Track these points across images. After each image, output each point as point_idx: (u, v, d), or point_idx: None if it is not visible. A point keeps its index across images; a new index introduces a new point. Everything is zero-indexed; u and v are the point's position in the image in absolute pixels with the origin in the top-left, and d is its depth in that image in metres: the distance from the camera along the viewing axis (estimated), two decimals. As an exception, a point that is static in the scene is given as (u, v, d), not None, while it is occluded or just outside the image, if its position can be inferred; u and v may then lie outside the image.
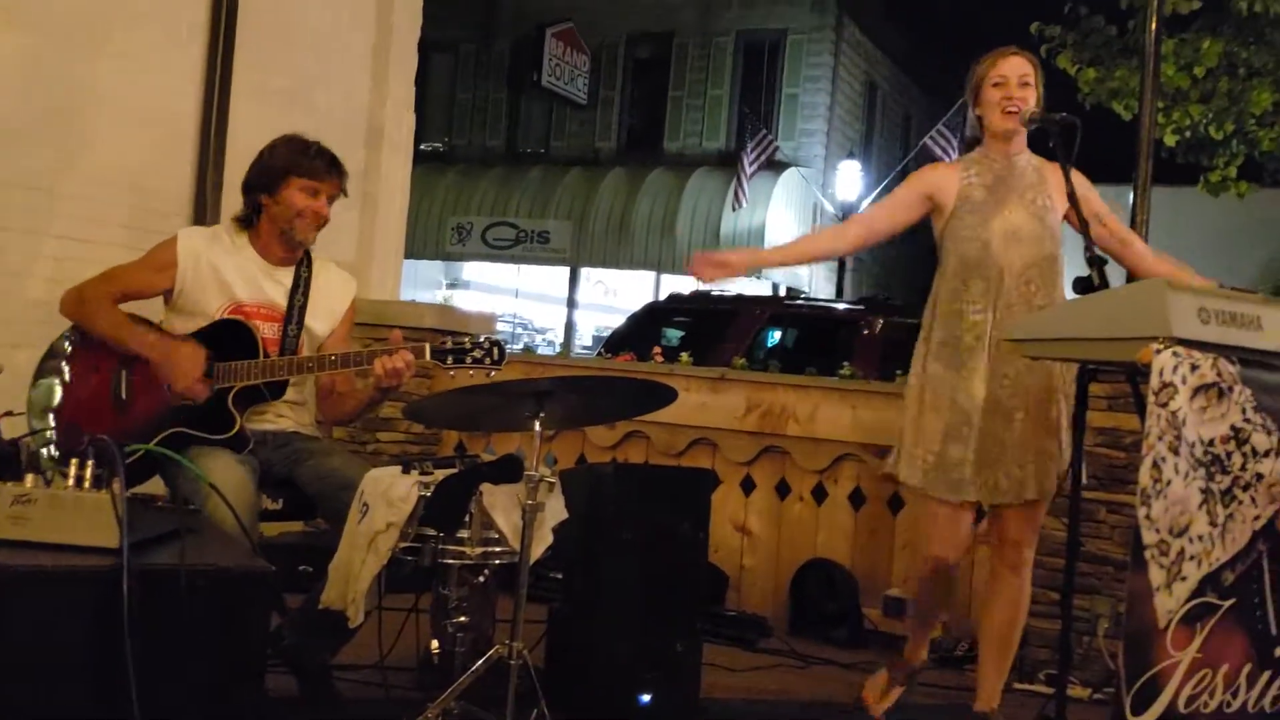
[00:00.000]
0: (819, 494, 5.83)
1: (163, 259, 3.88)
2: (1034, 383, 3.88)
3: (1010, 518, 3.93)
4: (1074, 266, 3.48)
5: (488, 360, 3.68)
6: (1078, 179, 3.82)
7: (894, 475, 4.06)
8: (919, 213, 4.05)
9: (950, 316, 3.92)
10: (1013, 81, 3.90)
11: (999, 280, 3.86)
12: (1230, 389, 2.83)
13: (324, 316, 4.03)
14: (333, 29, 7.09)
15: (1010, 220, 3.90)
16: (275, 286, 3.94)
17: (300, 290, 3.96)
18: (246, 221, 3.95)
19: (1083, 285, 3.34)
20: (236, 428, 3.71)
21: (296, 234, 3.90)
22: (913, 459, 3.94)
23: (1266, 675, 2.92)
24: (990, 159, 3.99)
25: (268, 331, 3.86)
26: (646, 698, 4.06)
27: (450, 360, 3.68)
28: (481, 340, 3.70)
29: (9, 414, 3.42)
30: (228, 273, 3.88)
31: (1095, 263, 3.39)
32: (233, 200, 5.44)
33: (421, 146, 18.74)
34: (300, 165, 3.86)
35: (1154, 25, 6.24)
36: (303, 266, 4.00)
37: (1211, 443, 2.82)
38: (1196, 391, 2.79)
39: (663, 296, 15.31)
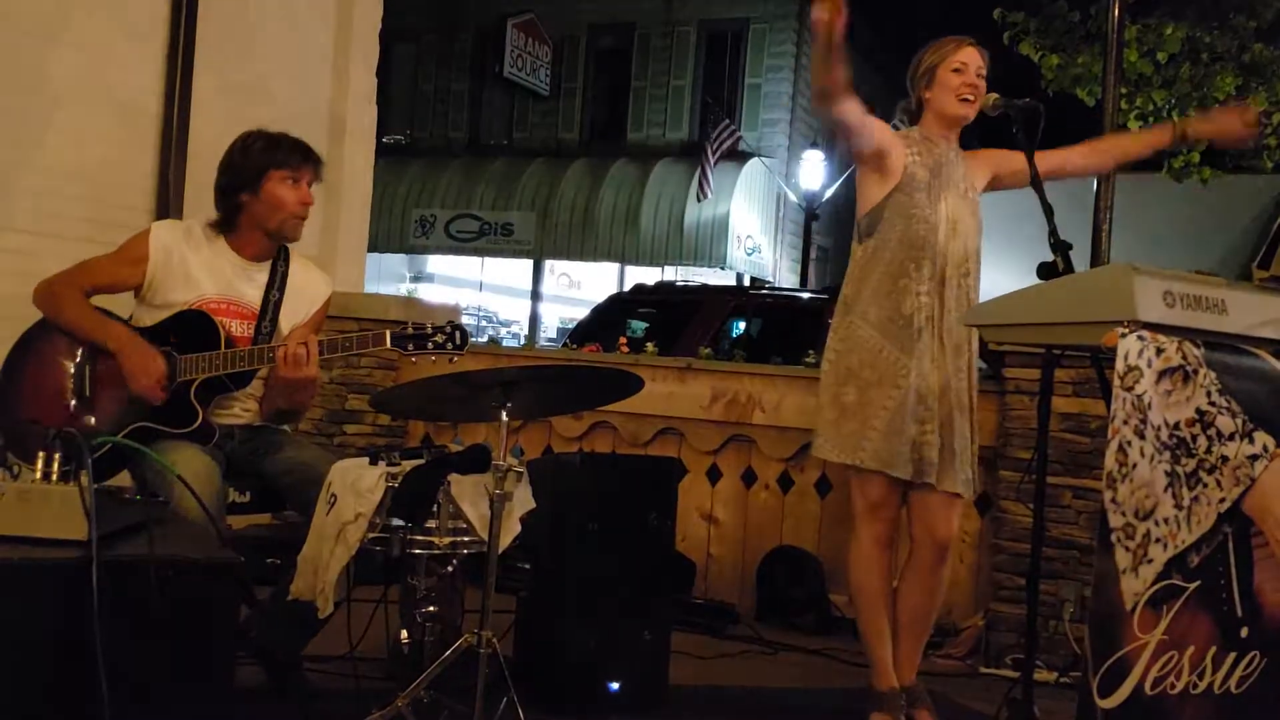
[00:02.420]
0: (785, 482, 5.85)
1: (135, 253, 3.84)
2: (974, 378, 3.97)
3: (942, 510, 3.96)
4: (1037, 252, 3.50)
5: (449, 345, 3.64)
6: (1009, 155, 4.07)
7: (824, 458, 4.05)
8: (873, 150, 3.94)
9: (893, 293, 3.91)
10: (972, 70, 3.96)
11: (943, 267, 3.90)
12: (1195, 372, 2.85)
13: (297, 312, 3.98)
14: (294, 21, 7.05)
15: (952, 209, 3.95)
16: (249, 284, 3.90)
17: (276, 286, 3.92)
18: (226, 224, 3.89)
19: (1047, 270, 3.36)
20: (199, 421, 3.69)
21: (286, 231, 3.88)
22: (849, 435, 3.92)
23: (1232, 656, 2.94)
24: (931, 142, 4.02)
25: (238, 329, 3.82)
26: (615, 686, 4.07)
27: (411, 347, 3.62)
28: (443, 325, 3.66)
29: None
30: (198, 269, 3.84)
31: (1059, 248, 3.40)
32: (195, 192, 5.40)
33: (384, 139, 18.65)
34: (277, 158, 3.81)
35: (1116, 11, 6.27)
36: (279, 261, 3.96)
37: (1177, 426, 2.83)
38: (1162, 375, 2.81)
39: (627, 288, 15.31)
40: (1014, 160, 4.10)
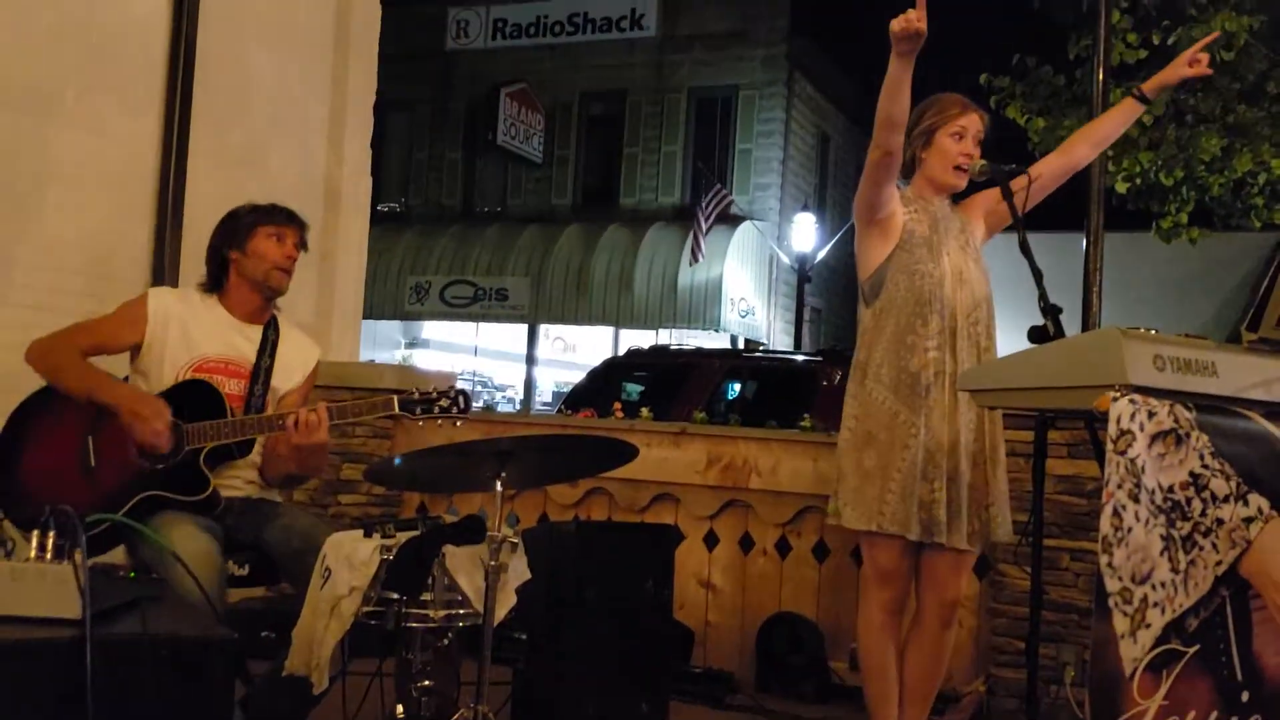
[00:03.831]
0: (783, 547, 5.82)
1: (133, 314, 3.93)
2: (992, 428, 3.93)
3: (948, 568, 3.91)
4: (1027, 313, 3.51)
5: (454, 409, 3.78)
6: (991, 192, 4.07)
7: (840, 524, 3.99)
8: (888, 211, 3.93)
9: (902, 351, 3.87)
10: (970, 136, 3.96)
11: (952, 320, 3.87)
12: (1188, 435, 2.85)
13: (289, 379, 4.08)
14: (289, 94, 7.10)
15: (954, 260, 3.92)
16: (245, 342, 4.00)
17: (267, 352, 4.02)
18: (214, 285, 4.04)
19: (1038, 334, 3.36)
20: (210, 489, 3.71)
21: (271, 282, 3.99)
22: (871, 500, 3.86)
23: (1233, 720, 2.93)
24: (925, 201, 4.02)
25: (232, 388, 3.89)
26: (614, 757, 4.04)
27: (419, 411, 3.75)
28: (447, 389, 3.80)
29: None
30: (195, 328, 3.93)
31: (1050, 311, 3.41)
32: (191, 265, 5.43)
33: (379, 206, 18.75)
34: (263, 218, 4.01)
35: (1101, 75, 6.32)
36: (270, 329, 4.06)
37: (1171, 489, 2.84)
38: (1154, 438, 2.82)
39: (621, 351, 15.34)
40: (982, 202, 4.15)
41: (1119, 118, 4.24)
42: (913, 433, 3.82)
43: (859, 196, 3.94)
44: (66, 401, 3.78)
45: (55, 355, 3.81)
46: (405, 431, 6.30)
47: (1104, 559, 2.79)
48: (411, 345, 24.56)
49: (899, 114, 3.72)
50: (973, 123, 3.99)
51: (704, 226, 20.24)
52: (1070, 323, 3.45)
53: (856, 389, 3.97)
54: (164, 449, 3.68)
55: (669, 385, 10.05)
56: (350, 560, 3.27)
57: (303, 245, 4.08)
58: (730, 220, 21.13)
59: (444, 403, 3.76)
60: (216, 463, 3.79)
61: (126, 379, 3.95)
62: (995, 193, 4.08)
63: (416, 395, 3.76)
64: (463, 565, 3.32)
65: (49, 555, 2.34)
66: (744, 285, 21.72)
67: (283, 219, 4.04)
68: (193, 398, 3.78)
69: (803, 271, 21.65)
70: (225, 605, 3.47)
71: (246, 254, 3.97)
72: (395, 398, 3.74)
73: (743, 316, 21.73)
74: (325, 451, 3.89)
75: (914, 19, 3.47)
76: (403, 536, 3.31)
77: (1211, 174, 11.96)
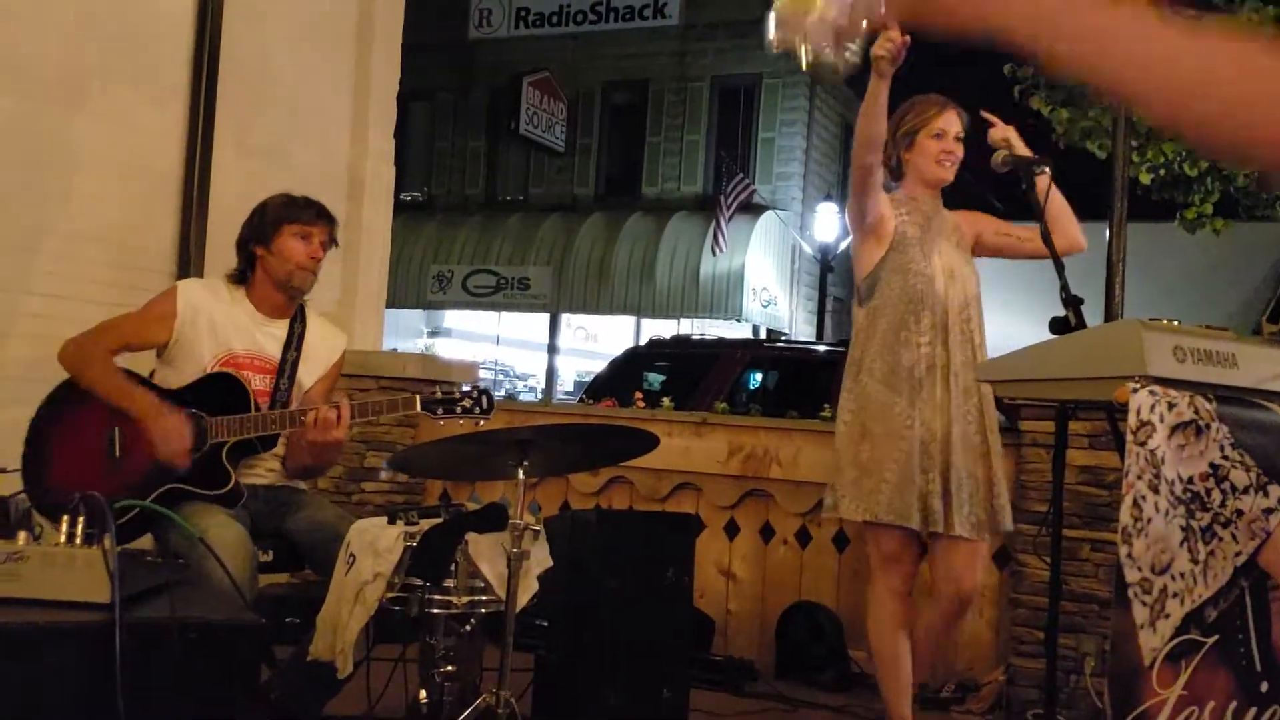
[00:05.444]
0: (803, 537, 5.84)
1: (162, 310, 3.93)
2: (989, 420, 3.98)
3: (961, 559, 3.94)
4: (1048, 306, 3.51)
5: (477, 410, 3.78)
6: (995, 224, 4.24)
7: (839, 517, 4.04)
8: (876, 216, 4.00)
9: (895, 346, 3.94)
10: (951, 135, 4.06)
11: (944, 315, 3.95)
12: (1208, 426, 2.86)
13: (315, 371, 4.08)
14: (312, 85, 7.13)
15: (946, 259, 4.02)
16: (269, 338, 4.00)
17: (294, 345, 4.02)
18: (240, 277, 4.04)
19: (1059, 325, 3.36)
20: (231, 483, 3.73)
21: (294, 282, 3.98)
22: (868, 491, 3.91)
23: (1252, 711, 2.93)
24: (917, 202, 4.11)
25: (259, 384, 3.90)
26: (635, 744, 4.06)
27: (440, 411, 3.75)
28: (470, 389, 3.77)
29: (1, 471, 3.43)
30: (223, 324, 3.94)
31: (1071, 302, 3.41)
32: (216, 255, 5.48)
33: (401, 196, 18.77)
34: (290, 214, 3.97)
35: (1125, 66, 6.30)
36: (297, 321, 4.06)
37: (1191, 480, 2.84)
38: (1174, 429, 2.82)
39: (643, 341, 15.34)
40: (982, 222, 4.25)
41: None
42: (907, 424, 3.89)
43: (849, 205, 4.08)
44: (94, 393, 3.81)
45: (85, 359, 3.83)
46: (429, 420, 6.32)
47: (1124, 550, 2.80)
48: (434, 334, 24.59)
49: (879, 134, 3.84)
50: (951, 121, 4.09)
51: (726, 216, 20.22)
52: (1094, 314, 3.44)
53: (851, 384, 4.05)
54: (184, 468, 3.70)
55: (690, 375, 10.03)
56: (374, 547, 3.30)
57: (332, 242, 4.06)
58: (753, 210, 21.10)
59: (466, 403, 3.76)
60: (240, 456, 3.82)
61: (153, 373, 3.98)
62: (996, 223, 4.24)
63: (439, 394, 3.76)
64: (485, 552, 3.35)
65: (78, 540, 2.38)
66: (766, 275, 21.70)
67: (310, 217, 4.00)
68: (219, 390, 3.81)
69: (825, 261, 21.61)
70: (256, 592, 3.51)
71: (272, 251, 3.96)
72: (417, 396, 3.75)
73: (765, 306, 21.71)
74: (340, 447, 3.91)
75: (898, 40, 3.50)
76: (426, 524, 3.34)
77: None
